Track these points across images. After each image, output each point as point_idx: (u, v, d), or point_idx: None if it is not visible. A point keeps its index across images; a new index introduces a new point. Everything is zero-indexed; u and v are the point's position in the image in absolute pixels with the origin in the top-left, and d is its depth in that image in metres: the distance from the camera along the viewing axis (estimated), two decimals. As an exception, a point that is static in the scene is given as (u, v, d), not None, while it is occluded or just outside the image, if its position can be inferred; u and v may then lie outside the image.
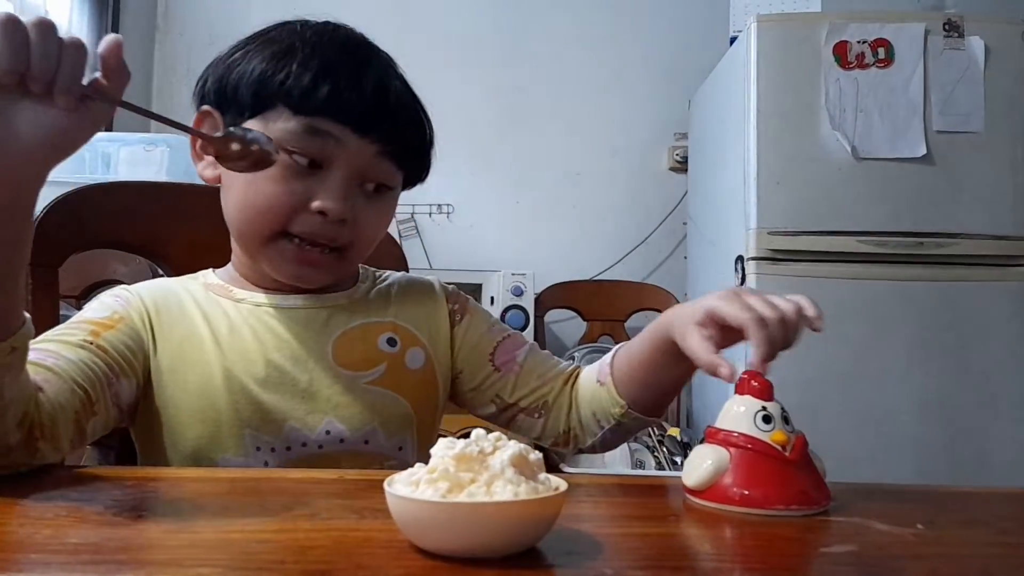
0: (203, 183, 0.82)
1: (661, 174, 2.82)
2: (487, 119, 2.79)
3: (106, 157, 1.99)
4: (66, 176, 1.96)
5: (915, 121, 1.92)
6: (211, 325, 0.77)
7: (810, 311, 0.62)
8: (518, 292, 2.42)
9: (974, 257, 1.92)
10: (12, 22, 0.47)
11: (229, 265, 0.84)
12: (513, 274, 2.45)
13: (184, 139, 2.37)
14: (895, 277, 1.92)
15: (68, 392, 0.62)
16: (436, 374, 0.84)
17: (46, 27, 0.48)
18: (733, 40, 2.25)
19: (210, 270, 0.85)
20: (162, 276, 0.90)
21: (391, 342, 0.82)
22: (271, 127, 0.73)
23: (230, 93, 0.75)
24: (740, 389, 0.59)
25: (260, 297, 0.80)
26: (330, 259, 0.77)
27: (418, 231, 2.72)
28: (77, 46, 0.50)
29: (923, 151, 1.91)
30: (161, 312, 0.77)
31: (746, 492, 0.54)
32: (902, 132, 1.92)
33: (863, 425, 1.86)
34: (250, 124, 0.74)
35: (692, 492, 0.57)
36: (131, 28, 2.69)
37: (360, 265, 0.87)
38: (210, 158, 0.78)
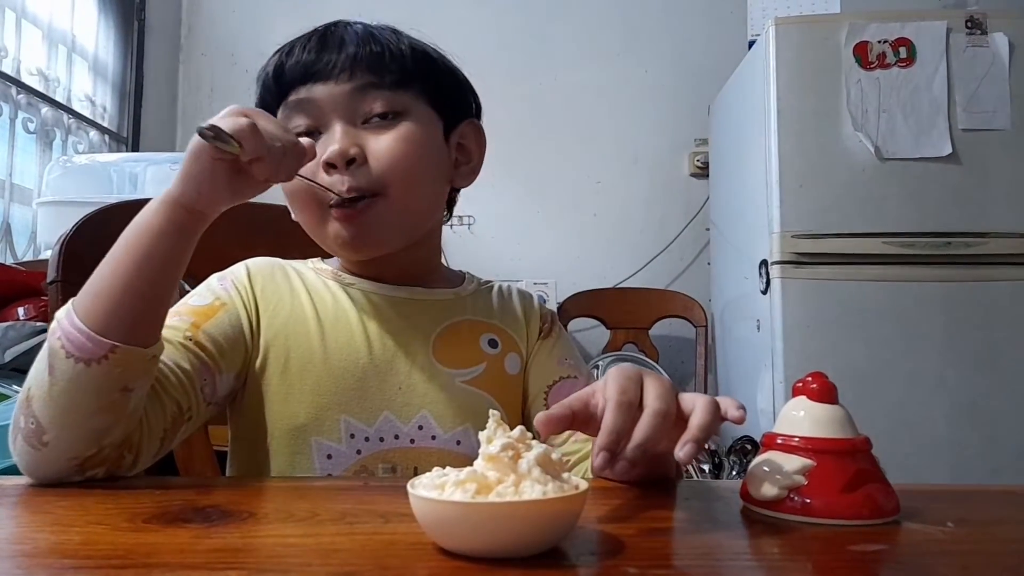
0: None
1: (682, 180, 2.82)
2: (506, 130, 2.80)
3: (133, 177, 2.03)
4: (95, 196, 1.99)
5: (939, 120, 1.90)
6: (317, 306, 0.78)
7: (731, 412, 0.55)
8: (541, 302, 2.42)
9: (1003, 256, 1.89)
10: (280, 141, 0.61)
11: (334, 259, 0.85)
12: (535, 283, 2.46)
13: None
14: (923, 278, 1.90)
15: (161, 410, 0.64)
16: (525, 383, 0.83)
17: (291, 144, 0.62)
18: (752, 44, 2.25)
19: (319, 258, 0.85)
20: (189, 290, 0.91)
21: (492, 343, 0.82)
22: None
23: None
24: (800, 392, 0.55)
25: (369, 285, 0.80)
26: (371, 207, 0.73)
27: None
28: (300, 153, 0.63)
29: (948, 150, 1.89)
30: (267, 289, 0.78)
31: (819, 502, 0.50)
32: (926, 131, 1.90)
33: (896, 430, 1.83)
34: None
35: (756, 503, 0.52)
36: (155, 48, 2.75)
37: (465, 272, 0.89)
38: None
